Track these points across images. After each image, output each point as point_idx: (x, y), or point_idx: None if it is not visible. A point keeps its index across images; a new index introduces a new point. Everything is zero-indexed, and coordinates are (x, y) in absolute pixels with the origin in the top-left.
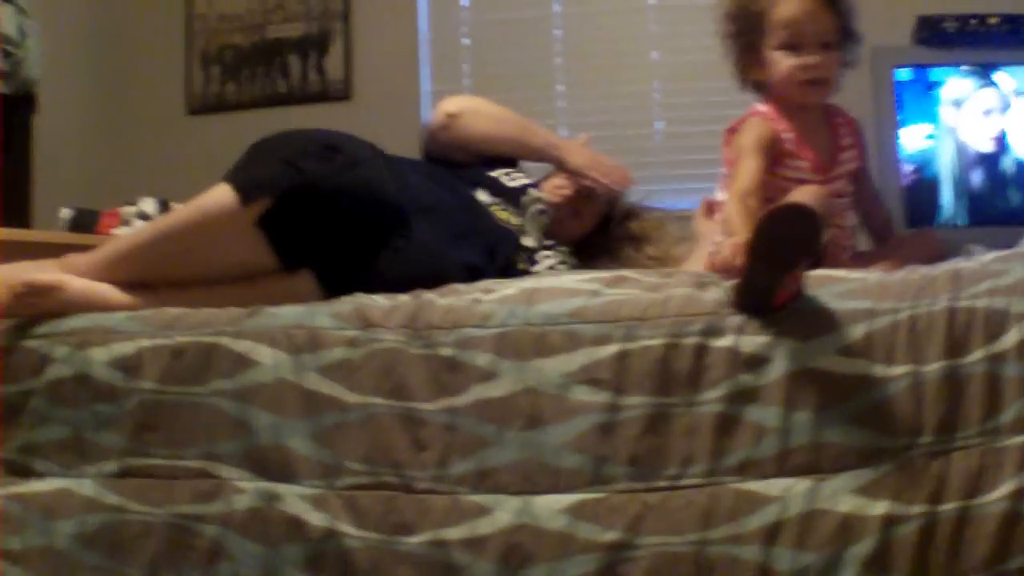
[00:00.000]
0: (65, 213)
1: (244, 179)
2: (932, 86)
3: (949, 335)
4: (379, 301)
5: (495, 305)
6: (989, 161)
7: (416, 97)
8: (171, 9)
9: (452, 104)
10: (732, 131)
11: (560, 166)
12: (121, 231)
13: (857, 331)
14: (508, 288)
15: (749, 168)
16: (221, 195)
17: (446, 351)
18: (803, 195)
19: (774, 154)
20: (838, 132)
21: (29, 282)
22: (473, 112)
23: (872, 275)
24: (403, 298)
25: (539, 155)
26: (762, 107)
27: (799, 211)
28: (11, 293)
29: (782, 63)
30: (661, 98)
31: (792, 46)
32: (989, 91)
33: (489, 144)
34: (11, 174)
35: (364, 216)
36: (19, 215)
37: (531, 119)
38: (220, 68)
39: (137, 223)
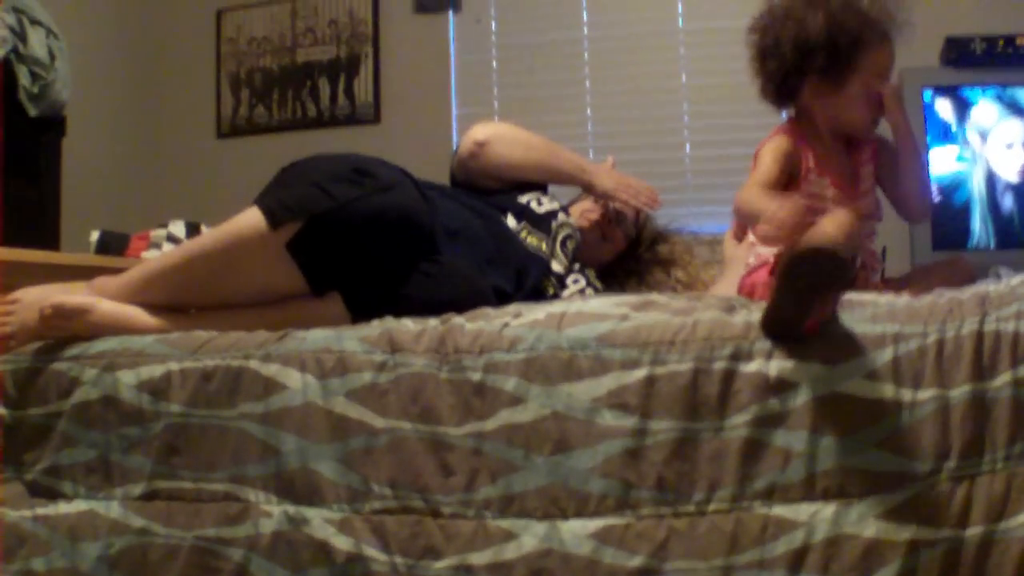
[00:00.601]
0: (94, 236)
1: (274, 203)
2: (960, 107)
3: (976, 359)
4: (407, 325)
5: (523, 329)
6: (1018, 183)
7: (445, 120)
8: (201, 32)
9: (480, 132)
10: (758, 155)
11: (589, 189)
12: (150, 254)
13: (884, 355)
14: (537, 312)
15: (764, 168)
16: (251, 219)
17: (474, 375)
18: (834, 223)
19: (795, 168)
20: (859, 149)
21: (58, 304)
22: (501, 139)
23: (900, 299)
24: (431, 322)
25: (568, 179)
26: (785, 128)
27: (823, 253)
28: (40, 315)
29: (868, 104)
30: (690, 121)
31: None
32: (1014, 118)
33: (518, 171)
34: (40, 196)
35: (393, 240)
36: (48, 238)
37: (560, 143)
38: (250, 91)
39: (167, 246)
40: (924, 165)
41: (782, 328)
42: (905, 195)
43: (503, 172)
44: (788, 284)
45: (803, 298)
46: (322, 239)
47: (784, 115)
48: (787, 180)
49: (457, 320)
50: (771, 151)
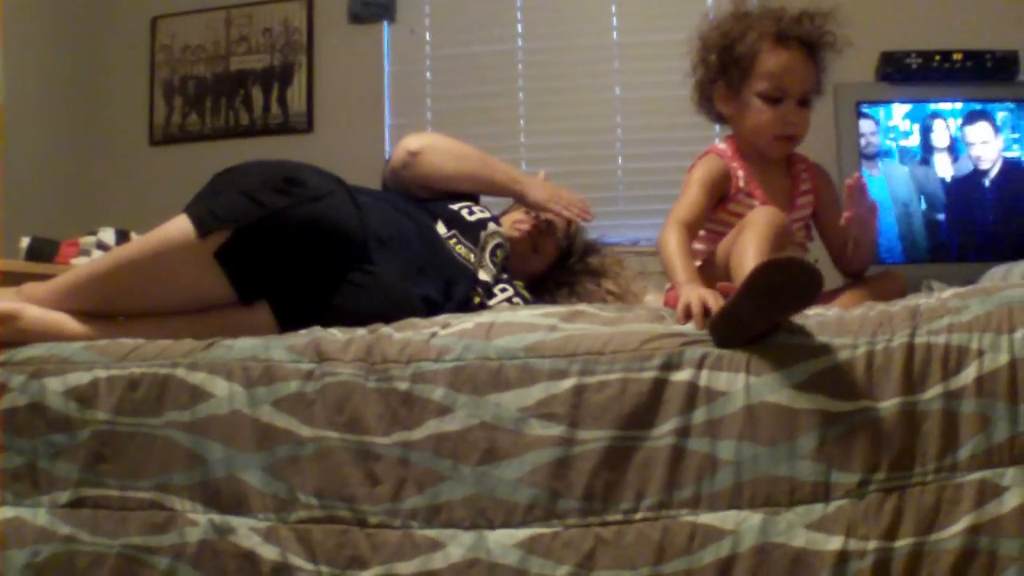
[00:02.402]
0: (24, 241)
1: (203, 211)
2: (895, 122)
3: (906, 371)
4: (335, 334)
5: (451, 339)
6: (950, 197)
7: (378, 130)
8: (136, 39)
9: (413, 142)
10: (691, 170)
11: (522, 200)
12: (80, 261)
13: (814, 366)
14: (465, 322)
15: (691, 199)
16: (179, 227)
17: (401, 385)
18: (763, 214)
19: (725, 190)
20: (798, 177)
21: None
22: (434, 149)
23: (830, 311)
24: (359, 332)
25: (501, 190)
26: (721, 145)
27: (804, 268)
28: None
29: (762, 113)
30: (623, 134)
31: (773, 98)
32: (948, 133)
33: (451, 182)
34: None
35: (323, 250)
36: None
37: (493, 154)
38: (183, 99)
39: (96, 253)
40: (875, 243)
41: (731, 331)
42: (848, 263)
43: (435, 182)
44: (757, 291)
45: (769, 308)
46: (250, 248)
47: (717, 129)
48: (719, 198)
49: (385, 330)
50: (699, 178)
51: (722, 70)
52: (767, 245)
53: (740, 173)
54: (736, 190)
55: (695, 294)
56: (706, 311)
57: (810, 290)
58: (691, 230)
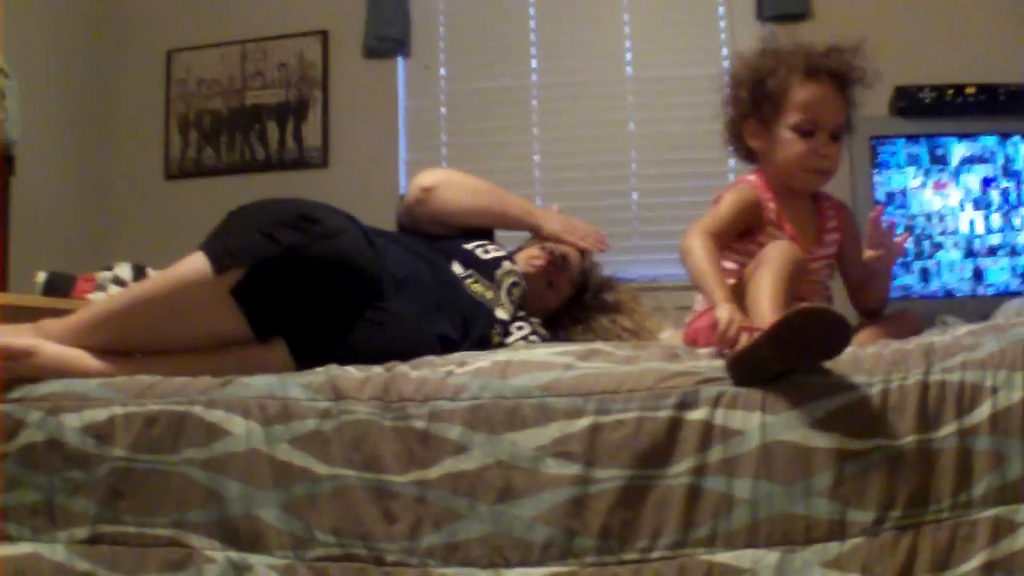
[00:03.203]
0: (40, 277)
1: (219, 248)
2: (909, 157)
3: (921, 409)
4: (352, 372)
5: (468, 378)
6: (964, 233)
7: (393, 165)
8: (151, 73)
9: (427, 178)
10: (717, 201)
11: (537, 233)
12: (96, 296)
13: (829, 405)
14: (482, 361)
15: (721, 214)
16: (195, 264)
17: (418, 423)
18: (778, 250)
19: (755, 220)
20: (824, 215)
21: (3, 346)
22: (448, 185)
23: (846, 350)
24: (376, 370)
25: (515, 223)
26: (751, 178)
27: (833, 320)
28: None
29: (794, 146)
30: (637, 169)
31: (805, 131)
32: (963, 167)
33: (465, 217)
34: None
35: (339, 287)
36: None
37: (507, 189)
38: (198, 133)
39: (112, 288)
40: (891, 280)
41: (752, 372)
42: (865, 301)
43: (450, 218)
44: (787, 339)
45: (796, 357)
46: (266, 285)
47: (732, 163)
48: (746, 230)
49: (401, 368)
50: (733, 199)
51: (753, 106)
52: (782, 281)
53: (771, 205)
54: (767, 222)
55: (734, 323)
56: (732, 342)
57: (838, 342)
58: (717, 242)
